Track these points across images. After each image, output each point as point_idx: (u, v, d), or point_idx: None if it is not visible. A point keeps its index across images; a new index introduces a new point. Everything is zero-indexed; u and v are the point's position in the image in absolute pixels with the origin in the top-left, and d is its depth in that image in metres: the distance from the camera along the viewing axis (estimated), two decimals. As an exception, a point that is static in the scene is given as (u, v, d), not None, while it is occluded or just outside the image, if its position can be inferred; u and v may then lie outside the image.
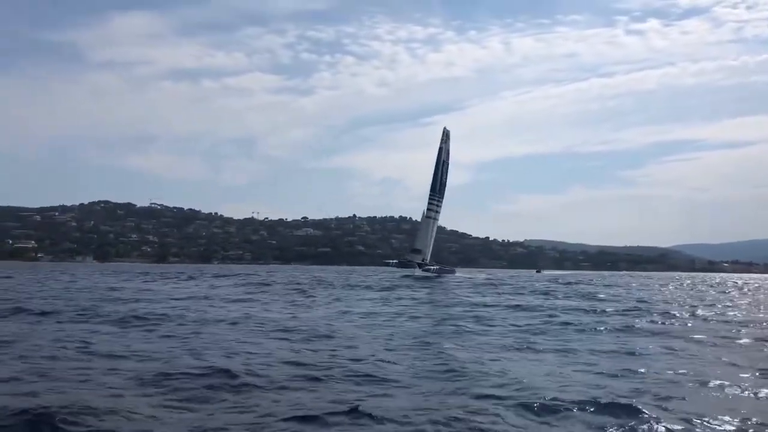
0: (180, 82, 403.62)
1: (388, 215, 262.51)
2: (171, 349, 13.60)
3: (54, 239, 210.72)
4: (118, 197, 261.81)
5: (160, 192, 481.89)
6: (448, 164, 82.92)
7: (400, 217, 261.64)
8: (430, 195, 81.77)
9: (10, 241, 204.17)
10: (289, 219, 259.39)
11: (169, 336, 15.93)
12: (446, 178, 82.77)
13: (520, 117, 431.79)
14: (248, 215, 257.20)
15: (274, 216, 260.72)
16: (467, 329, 18.69)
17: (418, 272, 76.24)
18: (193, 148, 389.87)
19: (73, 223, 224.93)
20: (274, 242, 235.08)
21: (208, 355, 12.75)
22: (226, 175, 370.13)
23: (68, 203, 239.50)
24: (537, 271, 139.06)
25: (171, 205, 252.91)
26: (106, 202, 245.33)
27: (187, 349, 13.65)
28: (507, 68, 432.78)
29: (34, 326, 17.83)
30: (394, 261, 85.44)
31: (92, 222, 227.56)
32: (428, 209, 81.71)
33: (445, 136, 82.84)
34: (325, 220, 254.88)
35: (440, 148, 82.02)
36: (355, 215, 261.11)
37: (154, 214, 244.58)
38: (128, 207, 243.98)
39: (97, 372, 10.76)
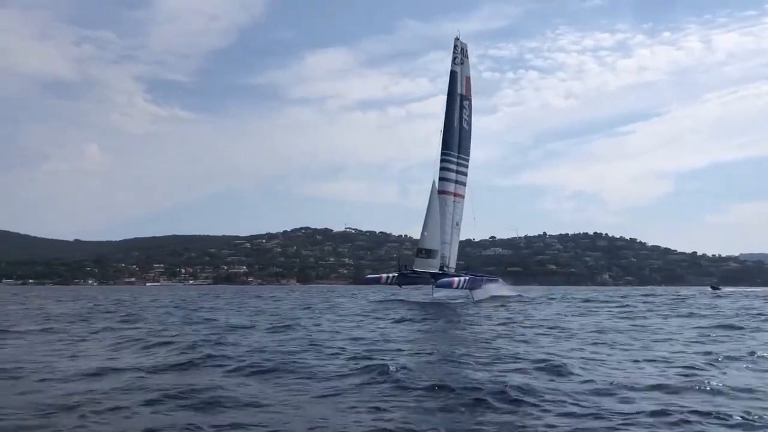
0: (368, 112, 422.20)
1: (581, 231, 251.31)
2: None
3: (262, 264, 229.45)
4: (316, 223, 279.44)
5: (354, 217, 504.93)
6: (470, 102, 50.30)
7: (595, 233, 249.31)
8: (442, 155, 48.84)
9: (225, 267, 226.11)
10: (477, 239, 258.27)
11: None
12: (470, 126, 50.57)
13: (728, 119, 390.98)
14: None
15: (462, 236, 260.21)
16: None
17: (439, 294, 46.24)
18: (382, 173, 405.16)
19: (278, 249, 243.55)
20: (462, 262, 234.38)
21: None
22: (414, 198, 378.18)
23: (274, 231, 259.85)
24: (712, 288, 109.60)
25: (364, 229, 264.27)
26: (306, 228, 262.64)
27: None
28: (708, 68, 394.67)
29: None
30: (391, 275, 50.08)
31: (295, 247, 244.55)
32: (441, 179, 48.78)
33: (460, 52, 49.58)
34: (514, 239, 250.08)
35: (452, 73, 49.03)
36: (545, 233, 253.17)
37: (349, 237, 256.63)
38: (326, 232, 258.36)
39: None
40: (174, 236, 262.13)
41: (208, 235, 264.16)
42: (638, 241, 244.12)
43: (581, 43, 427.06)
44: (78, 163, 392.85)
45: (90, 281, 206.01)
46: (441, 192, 48.26)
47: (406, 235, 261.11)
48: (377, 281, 51.76)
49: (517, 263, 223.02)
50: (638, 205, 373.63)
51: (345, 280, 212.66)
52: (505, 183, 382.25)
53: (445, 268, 48.35)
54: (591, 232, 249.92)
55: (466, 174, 50.35)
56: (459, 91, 49.20)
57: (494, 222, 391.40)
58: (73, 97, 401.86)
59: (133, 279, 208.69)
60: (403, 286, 50.17)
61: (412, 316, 28.30)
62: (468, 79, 50.19)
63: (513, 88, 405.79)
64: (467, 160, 50.41)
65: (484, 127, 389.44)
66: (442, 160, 48.78)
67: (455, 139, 49.18)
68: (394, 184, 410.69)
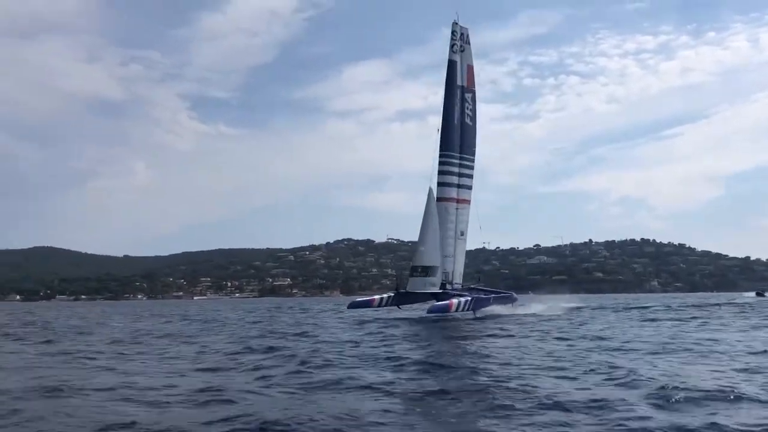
0: (407, 122, 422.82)
1: (628, 238, 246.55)
2: None
3: (306, 276, 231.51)
4: (359, 234, 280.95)
5: (396, 227, 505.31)
6: (474, 95, 43.50)
7: (642, 239, 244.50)
8: (441, 157, 41.69)
9: (270, 279, 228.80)
10: (521, 247, 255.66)
11: None
12: (474, 121, 43.36)
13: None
14: (479, 245, 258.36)
15: (505, 245, 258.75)
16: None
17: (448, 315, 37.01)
18: (423, 183, 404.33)
19: (321, 261, 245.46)
20: (506, 271, 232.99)
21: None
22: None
23: (316, 243, 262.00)
24: (757, 294, 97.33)
25: (406, 240, 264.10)
26: (349, 240, 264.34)
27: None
28: (757, 67, 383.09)
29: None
30: (386, 296, 42.16)
31: (337, 259, 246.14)
32: (441, 184, 41.66)
33: (460, 38, 42.92)
34: (558, 246, 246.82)
35: (450, 63, 42.24)
36: (591, 240, 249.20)
37: (391, 248, 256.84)
38: (368, 243, 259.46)
39: None
40: (219, 250, 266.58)
41: (252, 249, 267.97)
42: (687, 246, 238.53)
43: (623, 46, 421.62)
44: (126, 181, 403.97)
45: (139, 296, 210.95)
46: (441, 199, 41.50)
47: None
48: (368, 305, 41.71)
49: (562, 272, 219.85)
50: (686, 209, 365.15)
51: (387, 291, 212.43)
52: (549, 190, 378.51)
53: (448, 286, 41.29)
54: (638, 238, 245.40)
55: (471, 176, 43.31)
56: (459, 83, 42.58)
57: (538, 230, 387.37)
58: (120, 116, 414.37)
59: (180, 293, 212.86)
60: (402, 307, 42.51)
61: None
62: (470, 68, 43.50)
63: (554, 94, 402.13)
64: (472, 160, 43.33)
65: (527, 133, 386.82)
66: (441, 163, 41.78)
67: (456, 137, 42.22)
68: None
